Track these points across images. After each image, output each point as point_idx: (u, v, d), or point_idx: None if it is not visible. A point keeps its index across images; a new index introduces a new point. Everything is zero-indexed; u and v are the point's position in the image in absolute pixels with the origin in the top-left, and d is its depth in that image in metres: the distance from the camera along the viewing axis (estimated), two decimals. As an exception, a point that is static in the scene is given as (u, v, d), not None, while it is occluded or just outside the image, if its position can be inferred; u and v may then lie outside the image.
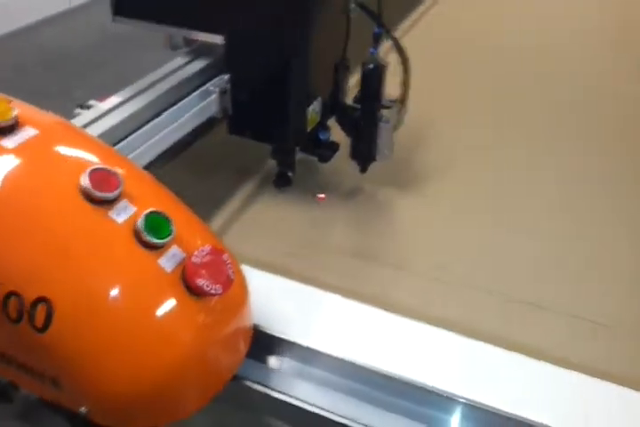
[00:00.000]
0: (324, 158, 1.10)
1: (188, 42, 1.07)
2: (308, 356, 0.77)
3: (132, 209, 0.57)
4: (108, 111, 0.86)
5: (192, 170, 1.16)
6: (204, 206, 1.08)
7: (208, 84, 0.99)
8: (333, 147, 1.10)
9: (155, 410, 0.60)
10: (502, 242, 1.05)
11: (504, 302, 0.93)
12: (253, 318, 0.73)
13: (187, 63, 1.03)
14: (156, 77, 0.97)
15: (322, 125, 1.07)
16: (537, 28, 1.85)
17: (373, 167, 1.10)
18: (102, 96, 0.93)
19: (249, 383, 0.73)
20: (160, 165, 0.99)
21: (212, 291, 0.56)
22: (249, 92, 0.99)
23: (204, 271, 0.56)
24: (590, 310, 0.92)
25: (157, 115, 0.91)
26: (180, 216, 0.61)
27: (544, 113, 1.43)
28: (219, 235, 1.02)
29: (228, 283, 0.58)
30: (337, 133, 1.11)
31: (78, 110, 0.90)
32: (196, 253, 0.57)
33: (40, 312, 0.52)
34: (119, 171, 0.58)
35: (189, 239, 0.59)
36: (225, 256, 0.59)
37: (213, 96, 0.98)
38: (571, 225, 1.09)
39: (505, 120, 1.41)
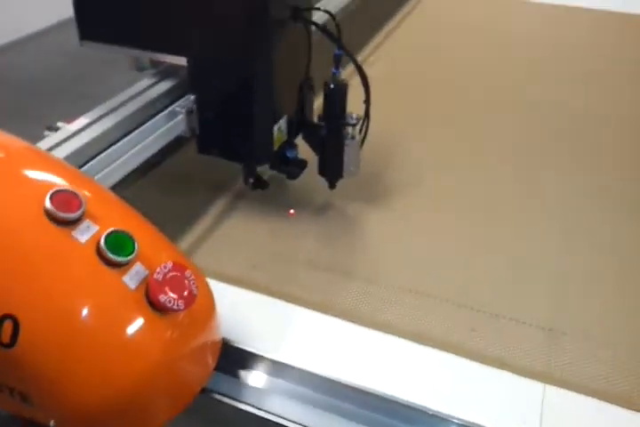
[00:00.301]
0: (293, 176, 1.13)
1: (155, 63, 1.11)
2: (276, 369, 0.81)
3: (95, 228, 0.60)
4: (74, 133, 0.88)
5: (163, 188, 1.19)
6: (176, 223, 1.11)
7: (174, 105, 1.02)
8: (301, 164, 1.13)
9: (123, 423, 0.63)
10: (471, 255, 1.08)
11: (474, 314, 0.95)
12: (222, 332, 0.75)
13: (153, 84, 1.06)
14: (122, 98, 1.00)
15: (289, 143, 1.11)
16: (518, 42, 1.92)
17: (343, 183, 1.14)
18: (70, 118, 0.96)
19: (218, 396, 0.76)
20: (129, 185, 1.02)
21: (175, 307, 0.59)
22: (214, 112, 1.02)
23: (166, 288, 0.59)
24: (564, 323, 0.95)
25: (124, 135, 0.93)
26: (144, 234, 0.65)
27: (518, 127, 1.48)
28: (190, 251, 1.06)
29: (190, 298, 0.61)
30: (305, 151, 1.14)
31: (47, 132, 0.92)
32: (157, 269, 0.60)
33: (6, 329, 0.54)
34: (81, 192, 0.60)
35: (153, 256, 0.62)
36: (187, 272, 0.61)
37: (180, 116, 1.01)
38: (539, 241, 1.12)
39: (476, 134, 1.45)
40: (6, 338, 0.54)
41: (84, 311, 0.56)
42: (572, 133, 1.47)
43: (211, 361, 0.71)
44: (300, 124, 1.11)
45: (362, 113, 1.08)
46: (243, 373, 0.81)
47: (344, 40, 1.02)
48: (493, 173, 1.31)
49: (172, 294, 0.59)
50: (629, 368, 0.87)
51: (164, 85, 1.06)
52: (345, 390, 0.78)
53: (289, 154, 1.10)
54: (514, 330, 0.93)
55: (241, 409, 0.75)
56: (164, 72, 1.10)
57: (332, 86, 1.02)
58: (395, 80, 1.70)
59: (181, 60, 0.99)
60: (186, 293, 0.60)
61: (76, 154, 0.84)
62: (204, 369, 0.70)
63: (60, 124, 0.93)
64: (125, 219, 0.64)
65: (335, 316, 0.92)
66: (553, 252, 1.10)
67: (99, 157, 0.88)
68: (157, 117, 1.00)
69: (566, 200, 1.24)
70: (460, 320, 0.94)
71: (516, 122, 1.51)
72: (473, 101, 1.60)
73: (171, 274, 0.60)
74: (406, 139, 1.42)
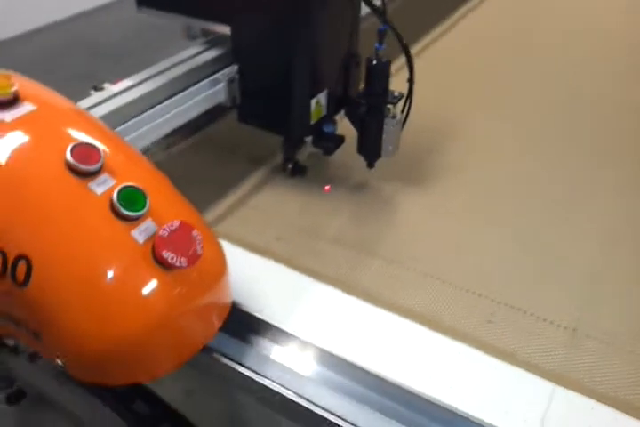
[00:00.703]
0: (328, 151, 1.15)
1: (206, 33, 1.14)
2: (280, 338, 0.84)
3: (112, 182, 0.63)
4: (116, 94, 0.93)
5: (207, 155, 1.24)
6: (212, 189, 1.16)
7: (218, 74, 1.06)
8: (338, 140, 1.15)
9: (123, 369, 0.67)
10: (502, 247, 1.07)
11: (494, 306, 0.94)
12: (232, 296, 0.79)
13: (201, 52, 1.09)
14: (168, 64, 1.03)
15: (328, 119, 1.12)
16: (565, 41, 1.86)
17: (382, 163, 1.15)
18: (116, 80, 1.01)
19: (219, 356, 0.79)
20: (170, 147, 1.07)
21: (177, 264, 0.62)
22: (255, 82, 1.05)
23: (170, 245, 0.62)
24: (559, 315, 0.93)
25: (165, 99, 0.97)
26: (160, 193, 0.68)
27: (581, 128, 1.44)
28: (221, 217, 1.09)
29: (194, 257, 0.64)
30: (347, 129, 1.15)
31: (92, 91, 0.98)
32: (164, 226, 0.63)
33: (21, 268, 0.59)
34: (104, 147, 0.64)
35: (165, 214, 0.65)
36: (194, 232, 0.64)
37: (221, 84, 1.04)
38: (577, 240, 1.10)
39: (531, 129, 1.41)
40: (21, 276, 0.59)
41: (93, 258, 0.60)
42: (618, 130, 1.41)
43: (216, 321, 0.74)
44: (342, 100, 1.13)
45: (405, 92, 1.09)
46: (248, 337, 0.83)
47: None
48: (541, 167, 1.28)
49: (174, 251, 0.62)
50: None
51: (211, 54, 1.09)
52: (345, 367, 0.80)
53: (326, 129, 1.12)
54: (534, 326, 0.91)
55: (239, 371, 0.78)
56: (214, 41, 1.13)
57: (373, 62, 1.02)
58: (455, 63, 1.68)
59: (226, 29, 1.02)
60: (190, 251, 0.63)
61: (115, 113, 0.89)
62: (209, 328, 0.73)
63: (105, 84, 0.99)
64: (144, 177, 0.68)
65: (351, 294, 0.93)
66: (590, 251, 1.06)
67: (138, 118, 0.93)
68: (199, 84, 1.03)
69: (615, 202, 1.19)
70: (478, 311, 0.93)
71: (581, 122, 1.46)
72: (538, 95, 1.56)
73: (177, 232, 0.63)
74: (456, 124, 1.41)
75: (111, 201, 0.62)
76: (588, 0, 2.15)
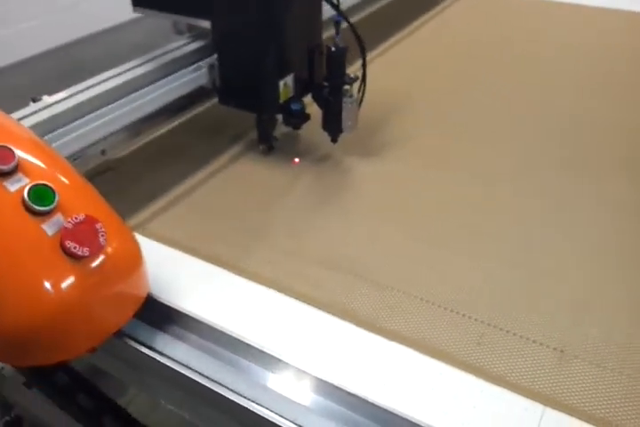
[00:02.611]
0: (296, 126, 1.42)
1: (191, 28, 1.43)
2: (193, 325, 0.97)
3: (25, 181, 0.77)
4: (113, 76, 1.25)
5: (192, 134, 1.52)
6: (190, 162, 1.42)
7: (201, 62, 1.36)
8: (304, 116, 1.39)
9: (34, 350, 0.81)
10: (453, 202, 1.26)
11: (483, 328, 1.00)
12: (148, 287, 0.93)
13: (186, 44, 1.39)
14: (155, 54, 1.34)
15: (296, 99, 1.37)
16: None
17: (345, 137, 1.40)
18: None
19: (130, 341, 0.94)
20: (159, 123, 1.34)
21: (79, 253, 0.75)
22: (232, 68, 1.31)
23: (74, 235, 0.75)
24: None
25: (152, 82, 1.28)
26: (72, 190, 0.82)
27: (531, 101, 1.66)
28: (197, 187, 1.35)
29: (96, 247, 0.77)
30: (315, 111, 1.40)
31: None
32: (69, 219, 0.76)
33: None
34: (20, 150, 0.79)
35: (73, 209, 0.78)
36: (98, 225, 0.78)
37: (203, 70, 1.34)
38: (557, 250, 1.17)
39: (481, 106, 1.66)
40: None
41: (3, 250, 0.74)
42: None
43: (129, 309, 0.88)
44: (308, 84, 1.37)
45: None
46: (162, 325, 0.97)
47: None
48: (499, 148, 1.48)
49: (78, 242, 0.75)
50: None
51: (195, 45, 1.39)
52: (248, 350, 0.92)
53: (294, 107, 1.36)
54: (522, 348, 0.95)
55: (150, 356, 0.92)
56: (198, 35, 1.42)
57: (333, 49, 1.29)
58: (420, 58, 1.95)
59: (207, 24, 1.29)
60: (93, 242, 0.77)
61: (117, 89, 1.20)
62: (120, 314, 0.87)
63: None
64: (57, 176, 0.82)
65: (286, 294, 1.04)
66: (577, 267, 1.12)
67: (131, 96, 1.23)
68: (185, 70, 1.33)
69: (601, 216, 1.25)
70: (467, 333, 0.98)
71: (531, 96, 1.69)
72: (489, 73, 1.81)
73: (82, 225, 0.77)
74: (413, 99, 1.67)
75: (22, 197, 0.75)
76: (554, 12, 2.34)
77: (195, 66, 1.35)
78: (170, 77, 1.30)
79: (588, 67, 1.91)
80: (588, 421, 0.84)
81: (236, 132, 1.54)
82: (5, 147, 0.78)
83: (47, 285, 0.75)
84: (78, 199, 0.82)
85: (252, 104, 1.35)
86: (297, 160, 1.44)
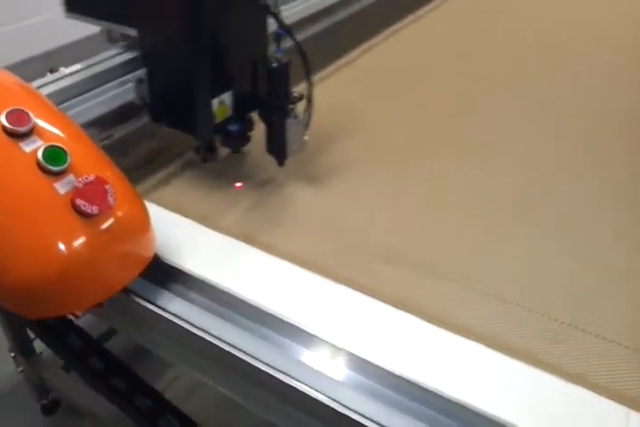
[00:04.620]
0: (235, 149, 1.39)
1: (125, 36, 1.37)
2: (197, 285, 1.05)
3: (40, 143, 0.86)
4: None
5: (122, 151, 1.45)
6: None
7: (129, 75, 1.30)
8: (243, 138, 1.37)
9: (44, 304, 0.90)
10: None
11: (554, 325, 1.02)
12: (154, 250, 1.01)
13: (116, 55, 1.33)
14: (84, 65, 1.28)
15: (234, 118, 1.34)
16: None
17: (294, 160, 1.37)
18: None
19: (136, 298, 1.02)
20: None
21: (88, 211, 0.84)
22: (162, 82, 1.28)
23: (84, 194, 0.84)
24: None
25: (78, 95, 1.22)
26: (83, 153, 0.91)
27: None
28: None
29: (105, 206, 0.86)
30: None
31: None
32: (79, 179, 0.85)
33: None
34: (36, 113, 0.88)
35: (85, 171, 0.87)
36: (107, 186, 0.87)
37: (130, 84, 1.29)
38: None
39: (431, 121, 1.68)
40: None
41: (18, 204, 0.84)
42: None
43: (134, 268, 0.97)
44: (253, 101, 1.33)
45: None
46: (167, 284, 1.06)
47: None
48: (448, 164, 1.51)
49: (87, 201, 0.84)
50: None
51: (125, 56, 1.33)
52: (248, 309, 0.99)
53: (231, 128, 1.33)
54: (601, 348, 0.97)
55: (153, 311, 1.01)
56: (132, 45, 1.35)
57: (274, 65, 1.26)
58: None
59: (133, 32, 1.25)
60: (102, 201, 0.86)
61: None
62: (126, 273, 0.96)
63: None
64: (69, 139, 0.91)
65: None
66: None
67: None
68: (109, 84, 1.28)
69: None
70: (540, 331, 1.00)
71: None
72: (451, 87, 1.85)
73: (91, 185, 0.86)
74: (367, 116, 1.67)
75: (37, 158, 0.84)
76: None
77: (120, 80, 1.30)
78: (94, 92, 1.25)
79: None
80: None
81: (175, 151, 1.50)
82: (22, 110, 0.87)
83: (59, 240, 0.84)
84: (89, 162, 0.92)
85: (185, 124, 1.31)
86: (239, 184, 1.40)
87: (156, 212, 1.02)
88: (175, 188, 1.39)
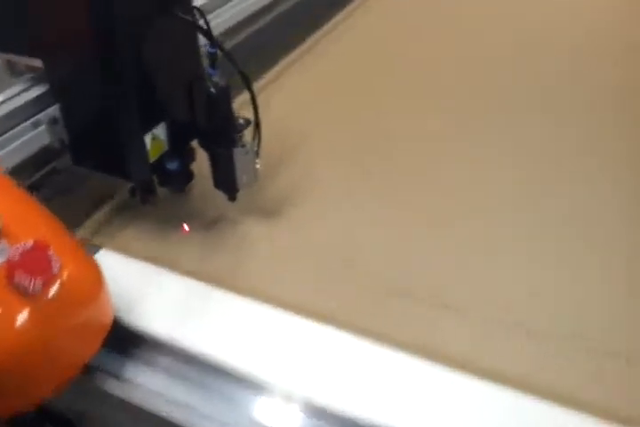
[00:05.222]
0: (177, 189, 1.22)
1: (32, 68, 1.15)
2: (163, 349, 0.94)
3: None
4: None
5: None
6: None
7: (40, 114, 1.10)
8: (185, 177, 1.20)
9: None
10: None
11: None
12: (113, 313, 0.88)
13: (23, 91, 1.13)
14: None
15: (172, 154, 1.16)
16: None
17: (245, 192, 1.22)
18: None
19: (101, 374, 0.90)
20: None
21: (31, 289, 0.69)
22: (80, 120, 1.09)
23: (21, 268, 0.68)
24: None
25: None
26: (18, 212, 0.78)
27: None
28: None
29: (49, 280, 0.70)
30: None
31: None
32: (15, 247, 0.69)
33: None
34: None
35: (21, 234, 0.73)
36: (50, 252, 0.70)
37: (43, 126, 1.09)
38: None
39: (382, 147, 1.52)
40: None
41: None
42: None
43: (94, 341, 0.83)
44: (191, 130, 1.16)
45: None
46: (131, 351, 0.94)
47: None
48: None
49: (27, 272, 0.69)
50: None
51: (35, 92, 1.13)
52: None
53: (169, 166, 1.16)
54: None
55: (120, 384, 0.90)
56: (40, 77, 1.15)
57: (211, 90, 1.10)
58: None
59: (38, 62, 1.06)
60: (44, 271, 0.70)
61: None
62: (86, 347, 0.83)
63: None
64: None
65: None
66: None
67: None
68: (20, 127, 1.07)
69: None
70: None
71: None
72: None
73: (30, 253, 0.69)
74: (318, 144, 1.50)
75: None
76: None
77: (31, 121, 1.09)
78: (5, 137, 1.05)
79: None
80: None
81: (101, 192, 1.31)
82: None
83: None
84: (24, 221, 0.79)
85: (114, 167, 1.13)
86: (187, 229, 1.22)
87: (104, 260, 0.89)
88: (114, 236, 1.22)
